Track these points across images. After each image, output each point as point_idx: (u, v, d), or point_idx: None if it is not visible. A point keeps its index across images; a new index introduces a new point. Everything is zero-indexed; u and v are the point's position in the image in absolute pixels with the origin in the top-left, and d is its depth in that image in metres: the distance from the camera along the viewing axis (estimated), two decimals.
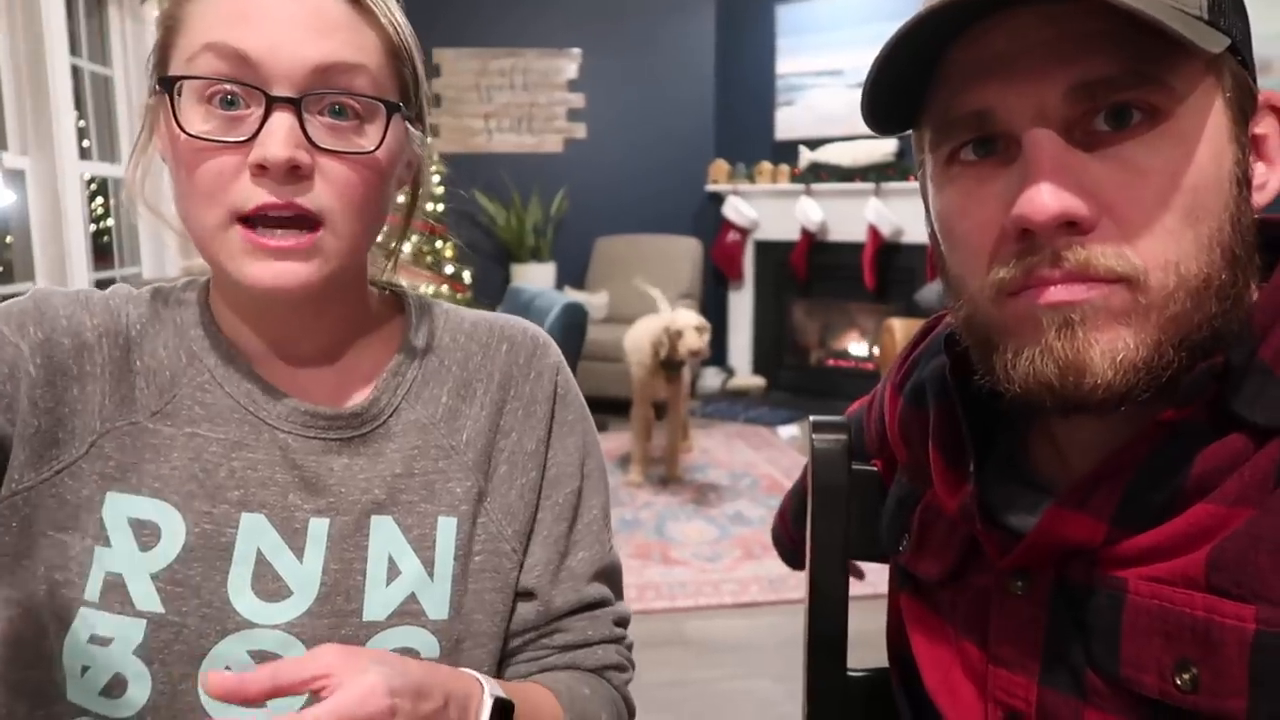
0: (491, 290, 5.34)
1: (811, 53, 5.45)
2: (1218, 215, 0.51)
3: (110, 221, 3.39)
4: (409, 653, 0.69)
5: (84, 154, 3.10)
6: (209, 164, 0.63)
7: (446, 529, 0.72)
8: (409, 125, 0.70)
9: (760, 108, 5.69)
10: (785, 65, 5.57)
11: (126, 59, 3.38)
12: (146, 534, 0.66)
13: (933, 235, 0.60)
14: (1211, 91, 0.51)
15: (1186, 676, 0.49)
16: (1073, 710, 0.55)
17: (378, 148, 0.65)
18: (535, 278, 5.57)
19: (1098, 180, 0.50)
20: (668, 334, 3.75)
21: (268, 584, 0.68)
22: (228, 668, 0.66)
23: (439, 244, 4.20)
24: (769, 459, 4.38)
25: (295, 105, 0.62)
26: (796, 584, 2.90)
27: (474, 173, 5.62)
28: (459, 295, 4.28)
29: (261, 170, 0.62)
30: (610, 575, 0.81)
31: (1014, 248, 0.52)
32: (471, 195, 5.61)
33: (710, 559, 3.19)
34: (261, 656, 0.66)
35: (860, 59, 5.18)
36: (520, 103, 5.84)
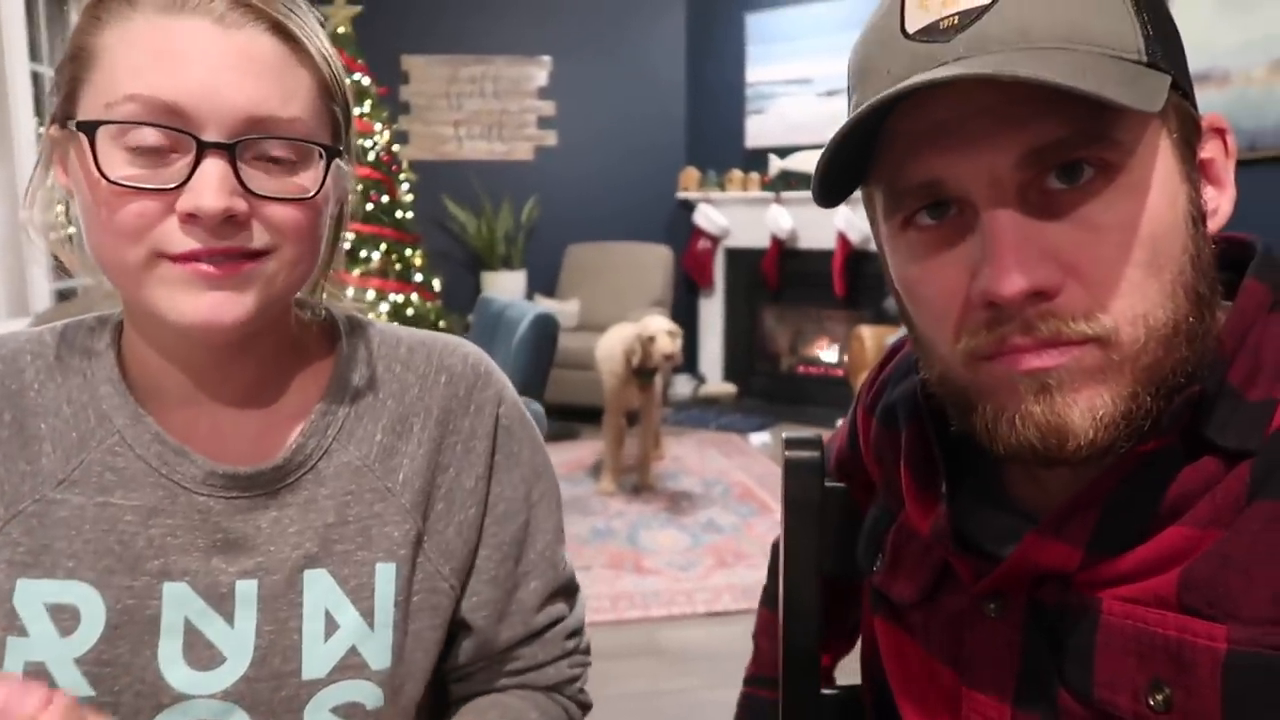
0: (462, 298, 5.31)
1: (781, 61, 5.47)
2: (1178, 259, 0.51)
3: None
4: (353, 707, 0.68)
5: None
6: (130, 208, 0.58)
7: (385, 576, 0.69)
8: (340, 163, 0.66)
9: (730, 116, 5.71)
10: (755, 74, 5.60)
11: (57, 57, 3.32)
12: (65, 618, 0.63)
13: (895, 292, 0.60)
14: (1157, 136, 0.51)
15: (1160, 697, 0.49)
16: None
17: (318, 192, 0.62)
18: (506, 285, 5.54)
19: (1058, 244, 0.50)
20: (640, 340, 3.75)
21: (200, 653, 0.65)
22: None
23: (408, 252, 4.18)
24: (740, 466, 4.38)
25: (229, 151, 0.58)
26: None
27: (444, 180, 5.59)
28: (429, 304, 4.26)
29: (192, 219, 0.58)
30: (563, 590, 0.80)
31: (982, 315, 0.52)
32: (440, 203, 5.58)
33: (683, 568, 3.18)
34: None
35: (830, 68, 5.21)
36: (490, 110, 5.82)
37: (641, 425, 4.04)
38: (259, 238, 0.60)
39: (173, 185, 0.58)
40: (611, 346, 3.92)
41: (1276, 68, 3.00)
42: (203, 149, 0.58)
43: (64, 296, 3.30)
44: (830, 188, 0.56)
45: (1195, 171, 0.53)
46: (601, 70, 5.80)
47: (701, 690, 2.37)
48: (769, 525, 3.55)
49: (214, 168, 0.58)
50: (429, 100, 5.73)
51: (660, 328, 3.75)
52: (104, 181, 0.58)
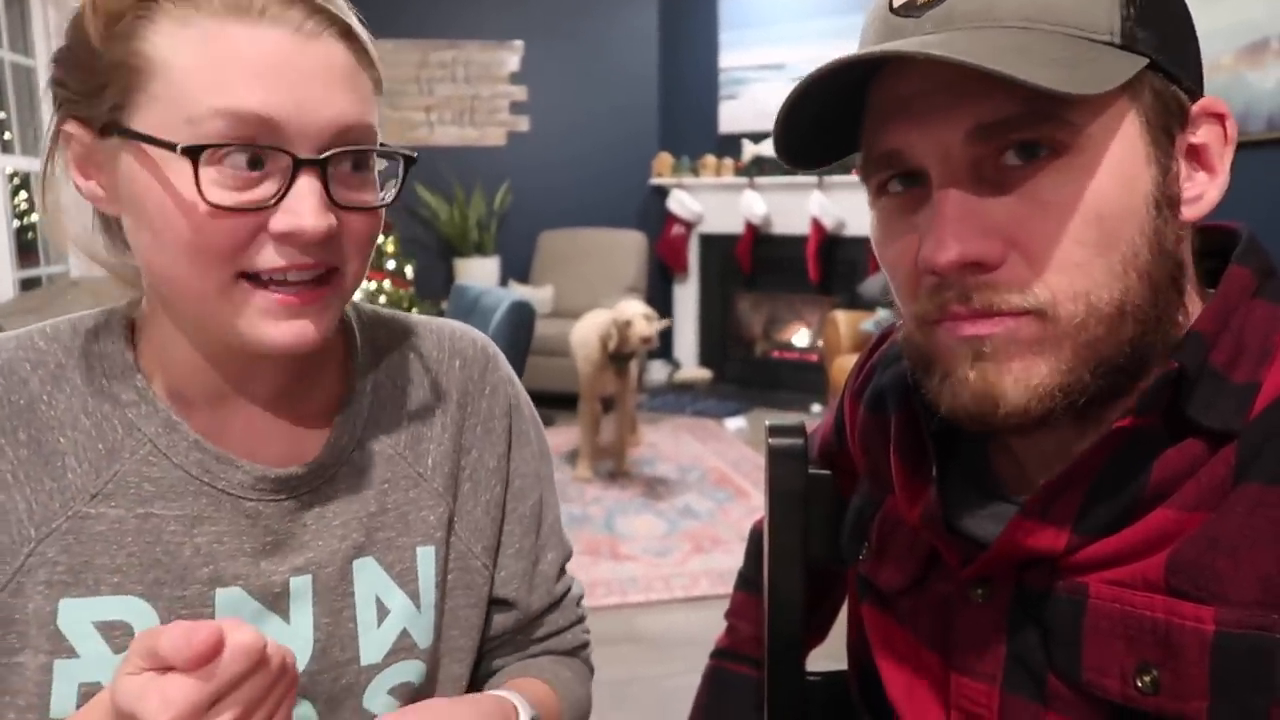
0: (434, 285, 5.27)
1: (754, 46, 5.47)
2: (1131, 241, 0.51)
3: (34, 217, 3.27)
4: (404, 685, 0.69)
5: (5, 147, 2.98)
6: (222, 228, 0.56)
7: (426, 559, 0.71)
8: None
9: (703, 101, 5.70)
10: (728, 59, 5.59)
11: (50, 49, 3.26)
12: (117, 634, 0.61)
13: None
14: (1120, 117, 0.51)
15: (1148, 679, 0.50)
16: (1034, 716, 0.55)
17: (395, 199, 0.63)
18: (479, 272, 5.51)
19: (1003, 218, 0.51)
20: (616, 325, 3.74)
21: None
22: None
23: (380, 239, 4.14)
24: (716, 451, 4.39)
25: (320, 167, 0.57)
26: None
27: (415, 166, 5.53)
28: (401, 291, 4.22)
29: (288, 238, 0.57)
30: (567, 562, 0.84)
31: (928, 282, 0.54)
32: (412, 189, 5.53)
33: (660, 553, 3.19)
34: None
35: (802, 53, 5.22)
36: (462, 95, 5.77)
37: (617, 411, 4.04)
38: (338, 252, 0.60)
39: (269, 203, 0.56)
40: (586, 333, 3.91)
41: (1243, 55, 3.03)
42: (298, 166, 0.57)
43: (27, 285, 3.24)
44: (799, 150, 0.58)
45: (1170, 155, 0.53)
46: (574, 55, 5.76)
47: (680, 675, 2.38)
48: (745, 510, 3.57)
49: (309, 186, 0.57)
50: (399, 85, 5.66)
51: (637, 311, 3.74)
52: (202, 204, 0.55)
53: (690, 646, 2.54)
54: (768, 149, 5.34)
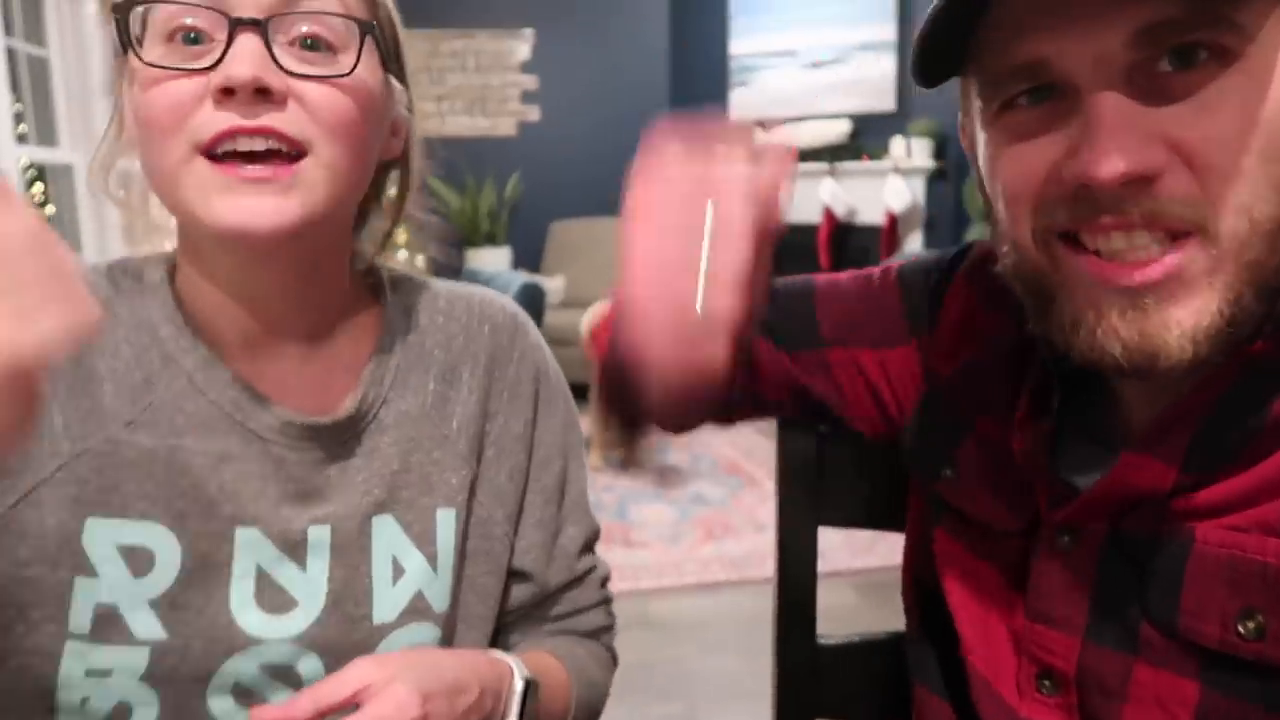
0: (446, 275, 5.28)
1: (765, 33, 5.44)
2: None
3: (50, 209, 3.30)
4: (416, 648, 0.69)
5: (20, 139, 3.00)
6: (166, 91, 0.57)
7: (446, 521, 0.71)
8: (392, 78, 0.67)
9: (714, 89, 5.68)
10: (739, 46, 5.56)
11: (64, 40, 3.28)
12: (139, 559, 0.62)
13: (980, 183, 0.58)
14: (1279, 24, 0.48)
15: (1251, 625, 0.48)
16: (1121, 666, 0.53)
17: (354, 68, 0.60)
18: (490, 262, 5.52)
19: (1165, 126, 0.47)
20: None
21: (272, 597, 0.65)
22: (238, 683, 0.64)
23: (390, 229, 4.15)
24: (727, 439, 4.40)
25: (260, 27, 0.57)
26: (758, 563, 2.92)
27: (426, 156, 5.54)
28: None
29: (226, 95, 0.56)
30: (594, 539, 0.83)
31: (1067, 195, 0.50)
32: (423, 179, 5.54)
33: (672, 540, 3.20)
34: (273, 671, 0.65)
35: (814, 39, 5.19)
36: (472, 85, 5.77)
37: None
38: (296, 123, 0.58)
39: (206, 64, 0.57)
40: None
41: None
42: (235, 26, 0.57)
43: None
44: (928, 68, 0.54)
45: None
46: (584, 43, 5.75)
47: (693, 659, 2.40)
48: (756, 498, 3.57)
49: (246, 42, 0.57)
50: (410, 75, 5.65)
51: None
52: (140, 67, 0.57)
53: (702, 631, 2.55)
54: (778, 136, 5.32)
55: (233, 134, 0.57)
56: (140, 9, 0.59)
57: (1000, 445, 0.63)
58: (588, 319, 4.00)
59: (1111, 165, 0.47)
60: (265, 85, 0.57)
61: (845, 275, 0.78)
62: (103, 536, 0.61)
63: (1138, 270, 0.48)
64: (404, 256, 4.37)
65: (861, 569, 2.84)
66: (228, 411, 0.65)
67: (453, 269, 5.37)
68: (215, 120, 0.57)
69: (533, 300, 2.48)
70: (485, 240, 5.67)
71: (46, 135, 3.28)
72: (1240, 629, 0.48)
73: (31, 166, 3.20)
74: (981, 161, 0.57)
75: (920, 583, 0.71)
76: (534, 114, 5.83)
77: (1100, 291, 0.50)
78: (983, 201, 0.59)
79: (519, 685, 0.63)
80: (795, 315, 0.75)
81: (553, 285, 5.29)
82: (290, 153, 0.59)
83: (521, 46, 5.79)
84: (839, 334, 0.74)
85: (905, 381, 0.73)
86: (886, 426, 0.74)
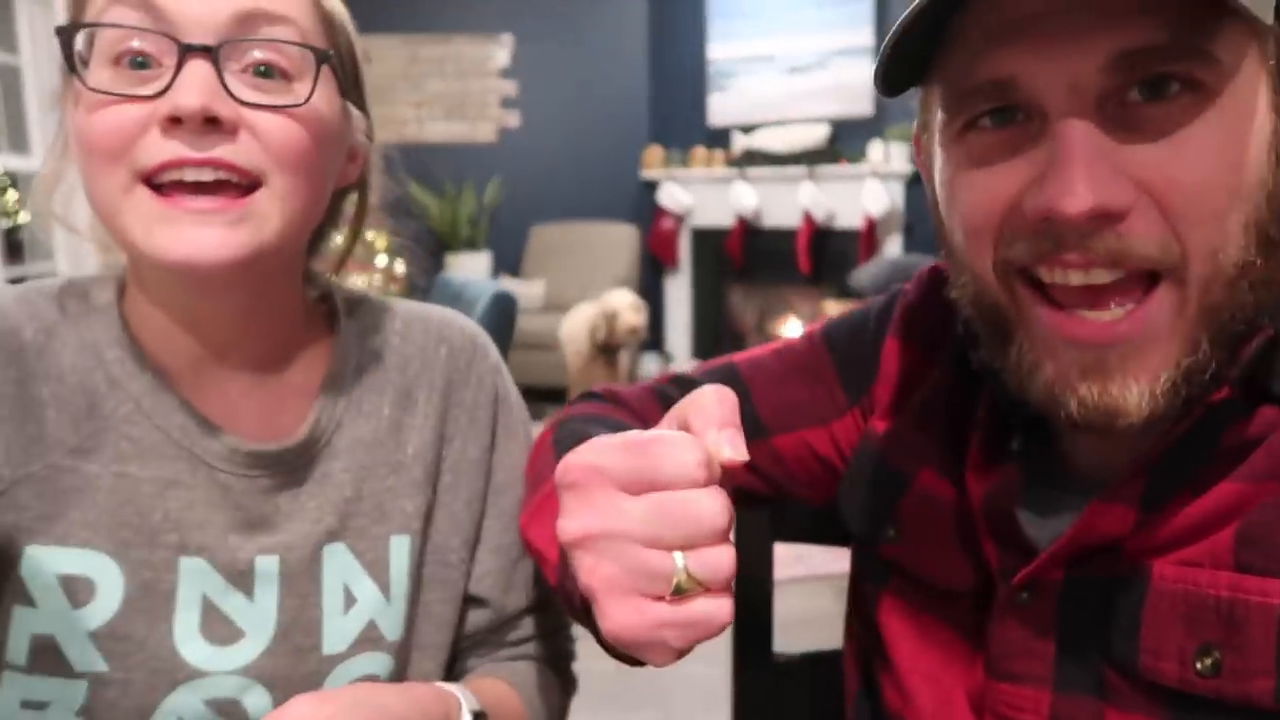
0: (426, 281, 5.26)
1: (744, 38, 5.46)
2: (1255, 195, 0.47)
3: (24, 217, 3.26)
4: (369, 679, 0.67)
5: None
6: (109, 116, 0.55)
7: (400, 549, 0.69)
8: (349, 104, 0.64)
9: (693, 93, 5.69)
10: (717, 50, 5.58)
11: (35, 47, 3.24)
12: (79, 589, 0.60)
13: (934, 203, 0.56)
14: (1256, 60, 0.47)
15: (1208, 661, 0.47)
16: (1092, 713, 0.52)
17: (309, 99, 0.58)
18: (470, 267, 5.51)
19: (1135, 163, 0.45)
20: (604, 316, 3.75)
21: (218, 629, 0.63)
22: (181, 719, 0.62)
23: (370, 235, 4.13)
24: None
25: (212, 54, 0.55)
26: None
27: (405, 163, 5.51)
28: (392, 287, 4.22)
29: (173, 124, 0.54)
30: None
31: (1027, 227, 0.48)
32: (403, 185, 5.51)
33: None
34: (218, 705, 0.63)
35: (793, 44, 5.21)
36: (451, 90, 5.76)
37: None
38: (247, 154, 0.56)
39: (153, 92, 0.54)
40: (575, 325, 3.92)
41: None
42: (185, 52, 0.54)
43: (15, 284, 3.23)
44: (893, 75, 0.51)
45: None
46: (563, 48, 5.75)
47: (672, 668, 2.39)
48: None
49: (196, 69, 0.54)
50: (388, 81, 5.65)
51: (623, 302, 3.75)
52: (85, 91, 0.55)
53: None
54: (758, 141, 5.34)
55: (179, 164, 0.55)
56: (86, 30, 0.57)
57: (943, 499, 0.61)
58: (565, 327, 4.00)
59: (1079, 200, 0.45)
60: (215, 115, 0.54)
61: (768, 352, 0.76)
62: (42, 565, 0.60)
63: (1102, 328, 0.47)
64: (384, 262, 4.36)
65: (840, 573, 2.83)
66: (175, 438, 0.63)
67: (431, 274, 5.36)
68: (160, 149, 0.55)
69: (505, 310, 2.47)
70: (465, 245, 5.65)
71: (19, 142, 3.25)
72: (1198, 665, 0.47)
73: (4, 174, 3.16)
74: (938, 182, 0.54)
75: (864, 647, 0.69)
76: (513, 119, 5.82)
77: (1060, 344, 0.48)
78: (936, 223, 0.57)
79: (467, 718, 0.62)
80: None
81: (532, 290, 5.29)
82: (242, 184, 0.57)
83: (500, 52, 5.78)
84: (781, 419, 0.72)
85: (856, 447, 0.71)
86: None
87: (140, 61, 0.55)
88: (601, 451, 0.42)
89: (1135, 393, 0.46)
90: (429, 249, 5.65)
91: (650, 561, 0.40)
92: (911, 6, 0.46)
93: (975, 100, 0.49)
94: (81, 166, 0.58)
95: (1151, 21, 0.44)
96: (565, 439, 0.68)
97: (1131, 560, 0.51)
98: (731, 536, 0.42)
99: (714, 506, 0.40)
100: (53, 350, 0.62)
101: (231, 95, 0.56)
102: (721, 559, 0.40)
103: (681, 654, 0.42)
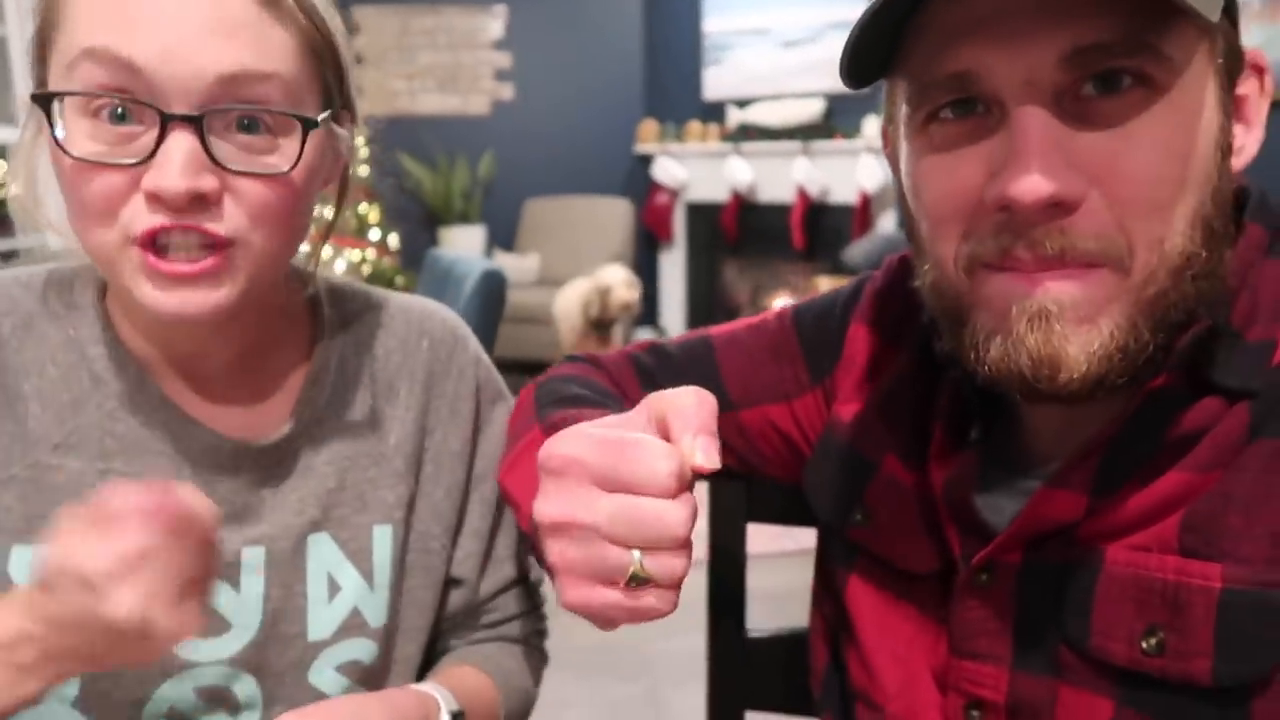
0: (419, 254, 5.24)
1: (738, 11, 5.41)
2: (1201, 189, 0.49)
3: (14, 189, 3.23)
4: (353, 664, 0.69)
5: None
6: (97, 184, 0.54)
7: (383, 538, 0.70)
8: (334, 127, 0.63)
9: (688, 67, 5.65)
10: (712, 24, 5.53)
11: (22, 18, 3.21)
12: None
13: (901, 193, 0.57)
14: (1206, 58, 0.49)
15: (1153, 641, 0.49)
16: (1048, 690, 0.54)
17: (293, 167, 0.57)
18: (464, 241, 5.49)
19: (1087, 153, 0.47)
20: (597, 291, 3.75)
21: (206, 621, 0.64)
22: (172, 708, 0.63)
23: (363, 208, 4.11)
24: None
25: (196, 124, 0.54)
26: None
27: (398, 135, 5.49)
28: (385, 261, 4.20)
29: (157, 199, 0.54)
30: (530, 547, 0.81)
31: (990, 219, 0.50)
32: (395, 158, 5.48)
33: None
34: (207, 694, 0.64)
35: (788, 17, 5.17)
36: (444, 63, 5.71)
37: None
38: (229, 220, 0.56)
39: (136, 160, 0.54)
40: (568, 301, 3.92)
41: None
42: (167, 122, 0.54)
43: (6, 258, 3.22)
44: (858, 69, 0.53)
45: (1230, 103, 0.51)
46: (557, 20, 5.69)
47: (655, 639, 2.41)
48: None
49: (180, 143, 0.54)
50: (380, 53, 5.60)
51: (616, 278, 3.75)
52: (65, 158, 0.54)
53: None
54: (753, 115, 5.31)
55: (165, 230, 0.55)
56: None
57: (908, 485, 0.63)
58: (559, 303, 4.00)
59: (1034, 186, 0.46)
60: (201, 194, 0.54)
61: (743, 327, 0.78)
62: (28, 564, 0.60)
63: (1050, 273, 0.49)
64: (377, 236, 4.34)
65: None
66: (158, 434, 0.63)
67: (426, 247, 5.33)
68: (147, 219, 0.55)
69: (495, 287, 2.45)
70: (458, 219, 5.63)
71: (5, 114, 3.22)
72: (1144, 645, 0.50)
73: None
74: (904, 173, 0.56)
75: (831, 625, 0.71)
76: (507, 92, 5.78)
77: (1011, 305, 0.50)
78: (903, 213, 0.58)
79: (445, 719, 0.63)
80: (697, 376, 0.75)
81: (526, 264, 5.27)
82: (221, 244, 0.57)
83: (494, 23, 5.72)
84: (747, 394, 0.75)
85: (817, 427, 0.73)
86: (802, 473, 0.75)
87: (120, 114, 0.55)
88: (583, 444, 0.45)
89: (1075, 346, 0.48)
90: (421, 223, 5.63)
91: (610, 556, 0.43)
92: (870, 5, 0.48)
93: (937, 93, 0.51)
94: (71, 216, 0.58)
95: (1105, 20, 0.46)
96: (544, 397, 0.71)
97: (1085, 544, 0.53)
98: (700, 528, 0.46)
99: (679, 517, 0.43)
100: (32, 343, 0.63)
101: (216, 162, 0.55)
102: (676, 564, 0.44)
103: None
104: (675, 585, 0.44)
